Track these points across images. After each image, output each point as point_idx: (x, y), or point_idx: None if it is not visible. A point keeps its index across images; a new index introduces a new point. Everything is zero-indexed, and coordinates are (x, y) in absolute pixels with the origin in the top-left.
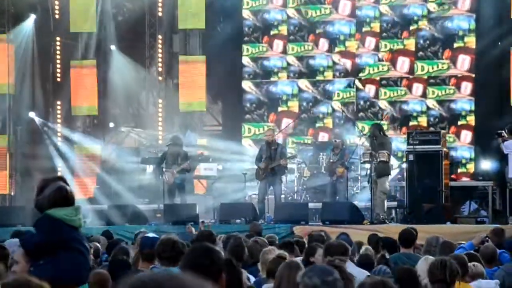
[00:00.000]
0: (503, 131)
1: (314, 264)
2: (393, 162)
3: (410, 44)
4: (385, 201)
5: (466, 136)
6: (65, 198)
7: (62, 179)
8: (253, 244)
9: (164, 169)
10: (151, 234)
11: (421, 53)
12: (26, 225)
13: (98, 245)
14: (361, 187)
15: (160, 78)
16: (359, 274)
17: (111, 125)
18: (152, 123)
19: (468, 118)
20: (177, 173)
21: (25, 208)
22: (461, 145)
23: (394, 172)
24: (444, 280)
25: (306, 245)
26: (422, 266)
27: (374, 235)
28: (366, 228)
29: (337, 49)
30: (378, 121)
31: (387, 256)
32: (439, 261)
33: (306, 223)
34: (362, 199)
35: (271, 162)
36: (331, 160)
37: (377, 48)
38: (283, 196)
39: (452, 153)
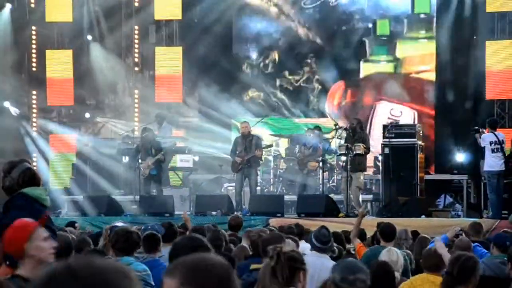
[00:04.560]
0: (480, 128)
1: (344, 259)
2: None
3: None
4: (360, 197)
5: None
6: (34, 178)
7: (27, 161)
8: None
9: (139, 161)
10: (120, 224)
11: None
12: None
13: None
14: (337, 179)
15: (136, 68)
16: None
17: (87, 115)
18: (129, 114)
19: None
20: (152, 165)
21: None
22: None
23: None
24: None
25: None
26: (387, 258)
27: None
28: (341, 221)
29: None
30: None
31: (352, 251)
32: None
33: (282, 216)
34: (337, 192)
35: (246, 154)
36: (304, 154)
37: None
38: (259, 188)
39: None
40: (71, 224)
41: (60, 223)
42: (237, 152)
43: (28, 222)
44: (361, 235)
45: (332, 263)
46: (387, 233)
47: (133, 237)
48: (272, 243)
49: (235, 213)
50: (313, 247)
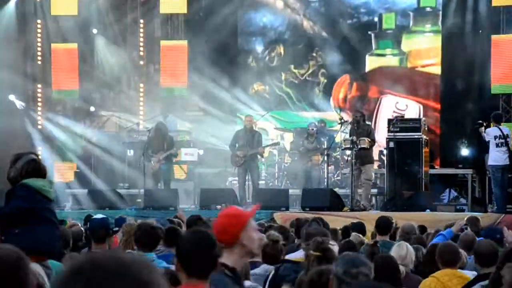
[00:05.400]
0: (484, 122)
1: (348, 253)
2: None
3: None
4: (370, 190)
5: None
6: (38, 170)
7: (34, 153)
8: None
9: (150, 155)
10: (99, 216)
11: None
12: None
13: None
14: (341, 173)
15: (141, 62)
16: None
17: (92, 109)
18: (133, 108)
19: None
20: (163, 159)
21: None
22: None
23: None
24: None
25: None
26: (396, 252)
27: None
28: (346, 215)
29: None
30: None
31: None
32: None
33: (286, 209)
34: (342, 186)
35: (249, 149)
36: (307, 148)
37: None
38: (263, 182)
39: None
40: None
41: (65, 216)
42: (236, 145)
43: (243, 211)
44: (361, 229)
45: None
46: (382, 227)
47: (157, 233)
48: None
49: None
50: None
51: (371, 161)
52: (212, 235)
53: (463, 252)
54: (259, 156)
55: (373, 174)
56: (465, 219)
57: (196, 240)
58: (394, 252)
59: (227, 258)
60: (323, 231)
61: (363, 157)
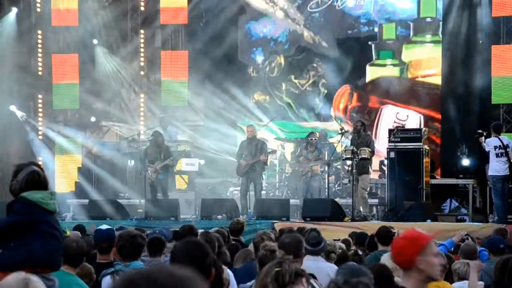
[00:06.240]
0: (483, 132)
1: (348, 263)
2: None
3: None
4: (367, 197)
5: None
6: (38, 182)
7: (35, 164)
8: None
9: (147, 165)
10: (104, 226)
11: None
12: None
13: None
14: (342, 184)
15: (142, 72)
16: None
17: (93, 119)
18: (134, 118)
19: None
20: (160, 169)
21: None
22: None
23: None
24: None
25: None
26: (386, 262)
27: (354, 233)
28: (347, 225)
29: None
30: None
31: (360, 252)
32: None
33: (287, 220)
34: (343, 196)
35: (251, 158)
36: (307, 158)
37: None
38: (264, 192)
39: None
40: (80, 228)
41: (66, 226)
42: (243, 156)
43: (423, 235)
44: (361, 239)
45: (328, 264)
46: (382, 237)
47: (137, 240)
48: None
49: (236, 218)
50: (306, 251)
51: (367, 172)
52: (204, 245)
53: (471, 263)
54: (265, 166)
55: (368, 184)
56: (494, 230)
57: (189, 250)
58: (386, 262)
59: (406, 281)
60: (297, 239)
61: (360, 167)
